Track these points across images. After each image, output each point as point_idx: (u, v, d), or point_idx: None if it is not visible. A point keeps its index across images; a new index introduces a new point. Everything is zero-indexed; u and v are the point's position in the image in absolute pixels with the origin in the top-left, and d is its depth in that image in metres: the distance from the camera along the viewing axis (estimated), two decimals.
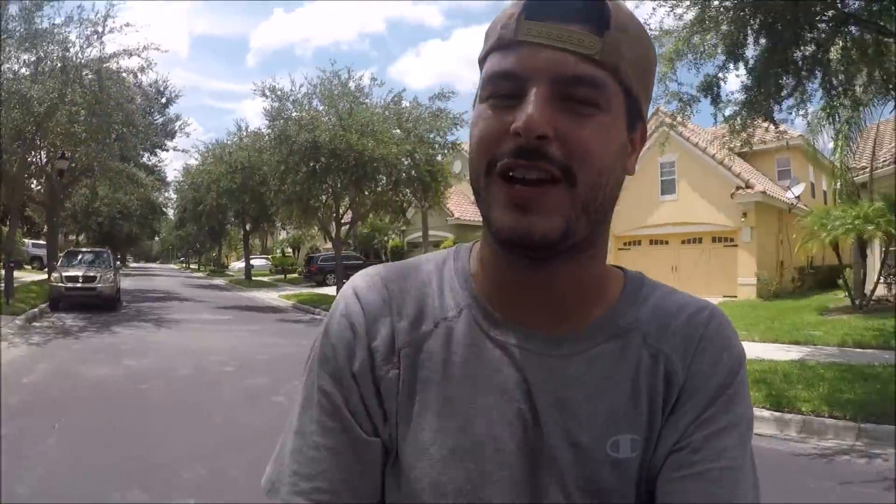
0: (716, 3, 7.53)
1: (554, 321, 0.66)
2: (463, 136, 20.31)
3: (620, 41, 0.59)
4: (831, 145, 15.25)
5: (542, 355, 0.64)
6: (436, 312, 0.68)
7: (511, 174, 0.58)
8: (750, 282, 18.19)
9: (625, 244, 21.90)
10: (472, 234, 22.49)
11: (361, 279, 0.71)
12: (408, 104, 20.43)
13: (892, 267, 13.72)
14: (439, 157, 21.21)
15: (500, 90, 0.60)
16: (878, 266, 13.93)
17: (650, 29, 7.70)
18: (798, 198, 20.20)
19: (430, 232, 25.36)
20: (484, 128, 0.60)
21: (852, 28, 7.84)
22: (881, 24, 7.39)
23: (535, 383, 0.63)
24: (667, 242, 20.88)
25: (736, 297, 18.12)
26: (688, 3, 7.59)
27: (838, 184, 15.37)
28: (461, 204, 30.51)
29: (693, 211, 19.48)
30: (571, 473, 0.62)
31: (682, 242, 20.50)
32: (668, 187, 20.44)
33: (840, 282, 14.80)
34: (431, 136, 20.16)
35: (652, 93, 0.68)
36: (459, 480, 0.62)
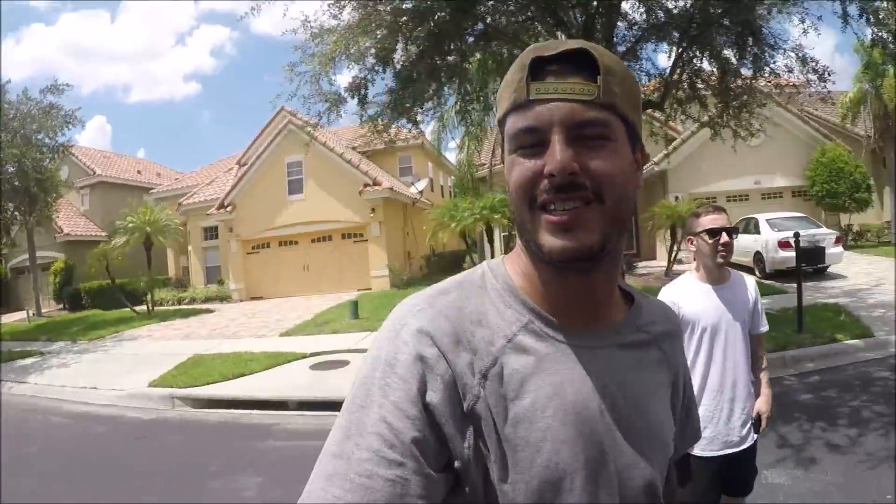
0: (380, 7, 7.65)
1: (596, 320, 0.82)
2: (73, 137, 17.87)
3: (611, 82, 0.72)
4: (452, 144, 17.22)
5: (597, 348, 0.80)
6: (503, 330, 0.76)
7: (552, 207, 0.72)
8: (382, 273, 18.85)
9: (253, 248, 21.04)
10: (86, 252, 18.63)
11: (417, 310, 0.76)
12: (15, 98, 16.70)
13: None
14: (48, 163, 17.85)
15: (526, 142, 0.74)
16: (501, 248, 15.84)
17: (311, 26, 7.97)
18: (421, 192, 21.86)
19: (38, 253, 20.55)
20: (520, 173, 0.74)
21: (493, 42, 8.68)
22: (522, 39, 8.31)
23: (599, 369, 0.78)
24: (296, 242, 20.60)
25: (370, 288, 18.65)
26: (353, 4, 7.76)
27: (455, 179, 17.26)
28: (71, 217, 25.62)
29: (322, 209, 19.52)
30: (642, 437, 0.80)
31: (313, 241, 20.44)
32: (295, 187, 20.19)
33: (465, 264, 16.29)
34: (40, 136, 16.85)
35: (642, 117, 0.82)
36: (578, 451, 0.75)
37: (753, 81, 9.30)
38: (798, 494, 3.81)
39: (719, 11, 7.76)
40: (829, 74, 8.37)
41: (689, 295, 2.63)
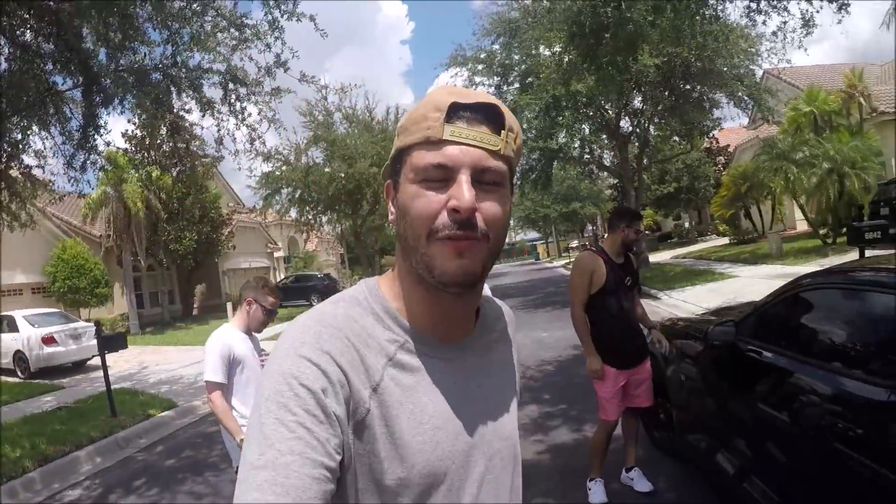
0: None
1: (461, 334, 0.93)
2: None
3: (510, 137, 0.83)
4: None
5: (459, 359, 0.92)
6: (385, 350, 0.84)
7: (446, 237, 0.79)
8: None
9: None
10: None
11: (313, 331, 0.81)
12: None
13: None
14: None
15: (433, 177, 0.80)
16: None
17: None
18: None
19: None
20: (424, 204, 0.80)
21: None
22: None
23: (464, 376, 0.91)
24: None
25: None
26: None
27: None
28: None
29: None
30: (499, 421, 0.94)
31: None
32: None
33: None
34: None
35: None
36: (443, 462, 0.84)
37: None
38: None
39: None
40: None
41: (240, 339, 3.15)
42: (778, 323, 2.95)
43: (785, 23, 8.99)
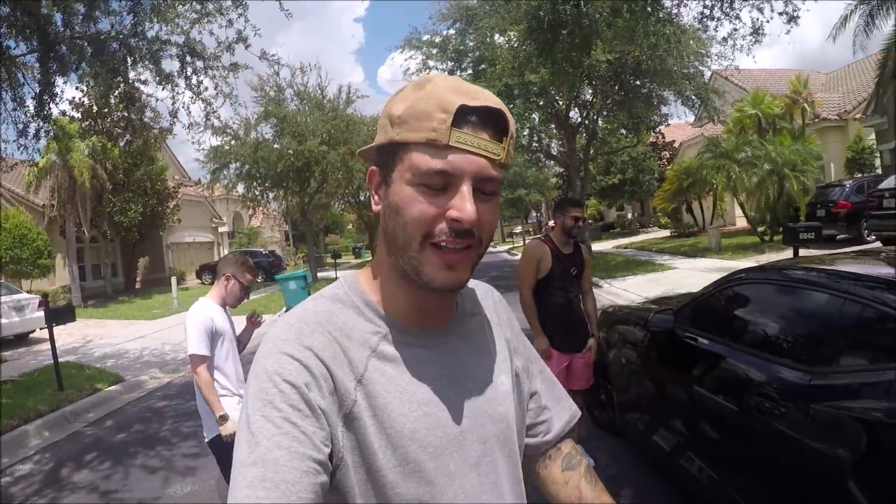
0: None
1: (440, 321, 0.93)
2: None
3: (510, 145, 0.82)
4: None
5: (442, 345, 0.91)
6: (368, 342, 0.85)
7: (444, 246, 0.80)
8: None
9: None
10: None
11: (295, 328, 0.83)
12: None
13: None
14: None
15: (434, 183, 0.78)
16: None
17: None
18: None
19: None
20: (422, 210, 0.79)
21: None
22: None
23: (448, 362, 0.90)
24: None
25: None
26: None
27: None
28: None
29: None
30: (490, 403, 0.92)
31: None
32: None
33: None
34: None
35: None
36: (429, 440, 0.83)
37: None
38: None
39: None
40: None
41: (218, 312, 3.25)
42: (714, 313, 3.26)
43: (736, 30, 9.44)
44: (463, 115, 0.78)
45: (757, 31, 9.33)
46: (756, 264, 3.90)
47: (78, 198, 19.00)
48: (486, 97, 0.80)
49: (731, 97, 20.88)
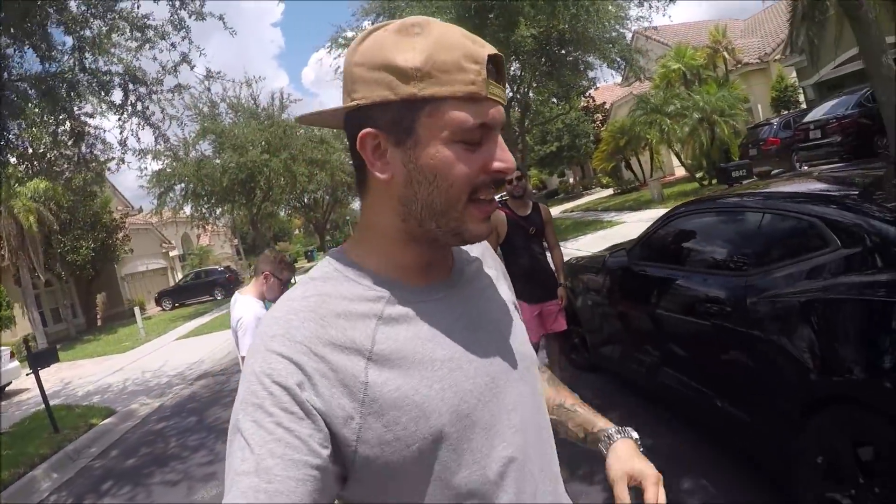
0: None
1: (441, 274, 0.88)
2: None
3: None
4: None
5: (451, 295, 0.87)
6: (372, 311, 0.79)
7: (482, 198, 0.80)
8: None
9: None
10: None
11: (283, 321, 0.77)
12: None
13: None
14: None
15: (473, 138, 0.77)
16: None
17: None
18: None
19: None
20: (465, 167, 0.77)
21: None
22: None
23: (459, 311, 0.86)
24: None
25: None
26: None
27: None
28: None
29: None
30: (510, 340, 0.91)
31: None
32: None
33: None
34: None
35: None
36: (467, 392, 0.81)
37: None
38: None
39: None
40: None
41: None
42: (660, 245, 3.79)
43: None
44: (488, 66, 0.76)
45: None
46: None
47: (28, 243, 18.63)
48: (489, 45, 0.79)
49: (655, 54, 21.72)
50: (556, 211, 27.35)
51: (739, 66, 22.40)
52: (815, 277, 2.42)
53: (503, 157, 0.78)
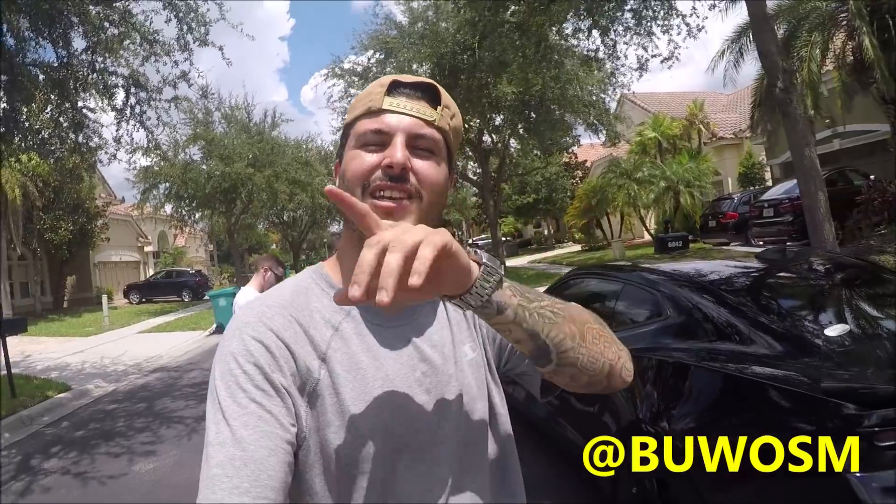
0: None
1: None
2: None
3: (446, 115, 0.92)
4: None
5: (408, 322, 0.94)
6: (330, 321, 0.89)
7: (381, 195, 0.86)
8: None
9: None
10: None
11: (258, 313, 0.87)
12: None
13: None
14: None
15: (371, 141, 0.88)
16: None
17: None
18: None
19: None
20: (361, 163, 0.87)
21: None
22: None
23: (410, 339, 0.92)
24: None
25: None
26: None
27: None
28: None
29: None
30: (455, 380, 0.94)
31: None
32: None
33: None
34: None
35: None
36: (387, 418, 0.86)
37: None
38: None
39: None
40: None
41: None
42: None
43: (621, 66, 11.11)
44: (397, 87, 0.90)
45: (642, 67, 10.97)
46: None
47: (10, 214, 19.03)
48: (421, 78, 0.92)
49: (638, 118, 22.95)
50: (524, 260, 28.16)
51: (714, 139, 23.65)
52: (646, 338, 3.11)
53: (391, 153, 0.85)
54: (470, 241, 27.98)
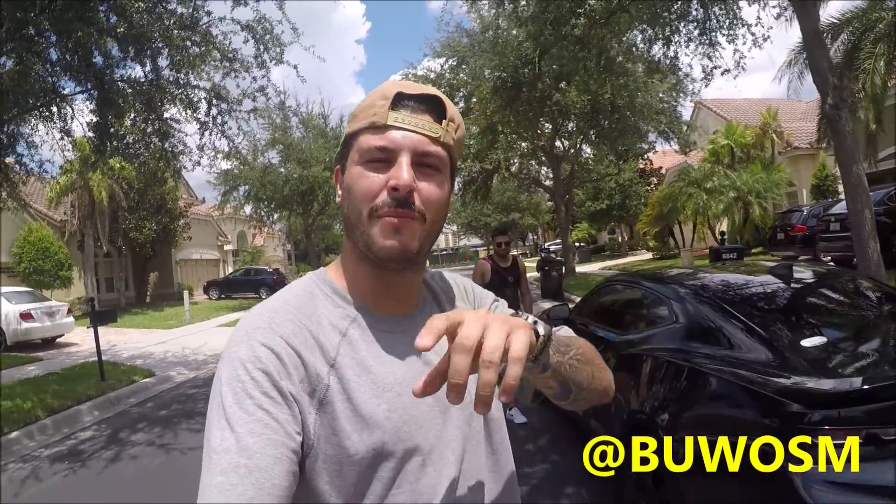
0: None
1: (406, 306, 0.98)
2: None
3: (451, 127, 0.91)
4: None
5: (413, 329, 0.83)
6: (337, 327, 0.89)
7: (387, 214, 0.86)
8: None
9: None
10: None
11: (265, 318, 0.86)
12: None
13: None
14: None
15: (376, 158, 0.87)
16: None
17: None
18: None
19: None
20: (367, 184, 0.87)
21: None
22: None
23: (416, 351, 0.88)
24: None
25: None
26: None
27: None
28: None
29: None
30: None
31: None
32: None
33: None
34: None
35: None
36: (398, 421, 0.86)
37: None
38: None
39: None
40: None
41: None
42: (589, 305, 4.81)
43: (684, 76, 11.07)
44: (401, 100, 0.88)
45: (707, 77, 10.91)
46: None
47: (97, 215, 20.67)
48: (425, 89, 0.90)
49: (714, 125, 22.49)
50: (595, 267, 27.88)
51: (789, 148, 22.89)
52: (653, 341, 3.41)
53: (396, 175, 0.84)
54: (543, 245, 28.11)
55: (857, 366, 2.42)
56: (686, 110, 28.46)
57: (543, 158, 22.22)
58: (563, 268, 19.11)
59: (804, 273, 3.66)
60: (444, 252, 69.26)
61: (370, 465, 0.83)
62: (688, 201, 18.88)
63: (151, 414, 7.66)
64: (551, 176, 22.99)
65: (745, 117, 24.58)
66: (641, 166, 33.76)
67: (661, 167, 35.02)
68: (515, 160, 21.48)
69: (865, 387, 2.07)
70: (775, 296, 3.31)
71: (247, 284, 29.43)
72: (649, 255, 29.20)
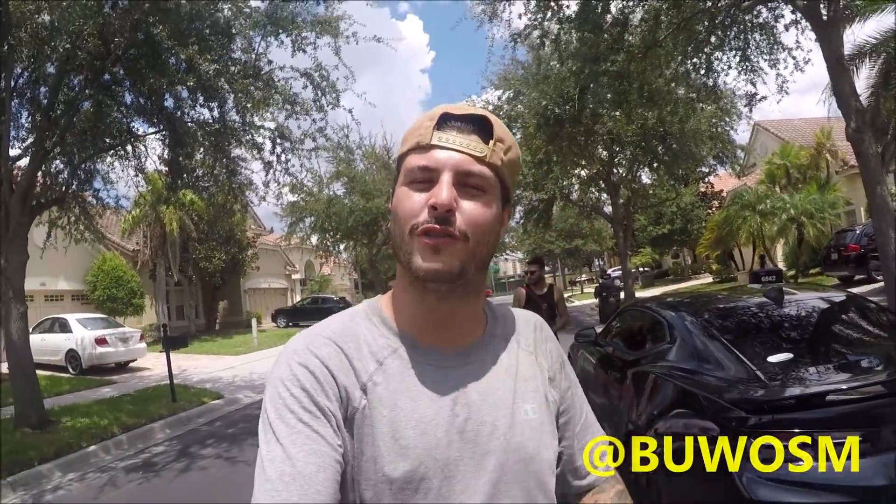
0: None
1: (457, 340, 0.95)
2: None
3: (499, 149, 0.90)
4: None
5: (463, 365, 0.93)
6: (376, 355, 0.90)
7: (428, 234, 0.85)
8: None
9: None
10: None
11: (308, 340, 0.90)
12: None
13: None
14: None
15: (418, 178, 0.88)
16: None
17: None
18: None
19: None
20: (408, 204, 0.87)
21: None
22: None
23: (459, 383, 0.91)
24: None
25: None
26: None
27: None
28: None
29: None
30: (503, 435, 0.90)
31: None
32: None
33: None
34: None
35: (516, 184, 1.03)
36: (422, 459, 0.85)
37: None
38: None
39: None
40: None
41: None
42: (611, 329, 5.15)
43: (726, 104, 11.18)
44: (446, 121, 0.89)
45: (750, 103, 11.01)
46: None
47: (168, 245, 21.97)
48: (473, 109, 0.92)
49: (773, 147, 22.12)
50: (658, 291, 27.65)
51: (845, 167, 22.26)
52: (650, 358, 3.77)
53: (437, 193, 0.84)
54: (606, 271, 28.07)
55: (804, 378, 2.70)
56: (745, 133, 28.25)
57: (602, 185, 22.37)
58: (622, 293, 19.12)
59: (796, 295, 3.90)
60: (511, 279, 69.03)
61: (383, 493, 0.84)
62: (742, 224, 18.61)
63: (219, 432, 8.30)
64: (611, 202, 23.08)
65: (801, 138, 24.10)
66: (703, 190, 33.34)
67: (721, 190, 34.43)
68: (576, 187, 21.70)
69: (795, 395, 2.37)
70: (759, 318, 3.61)
71: (314, 313, 29.71)
72: (710, 279, 28.72)
